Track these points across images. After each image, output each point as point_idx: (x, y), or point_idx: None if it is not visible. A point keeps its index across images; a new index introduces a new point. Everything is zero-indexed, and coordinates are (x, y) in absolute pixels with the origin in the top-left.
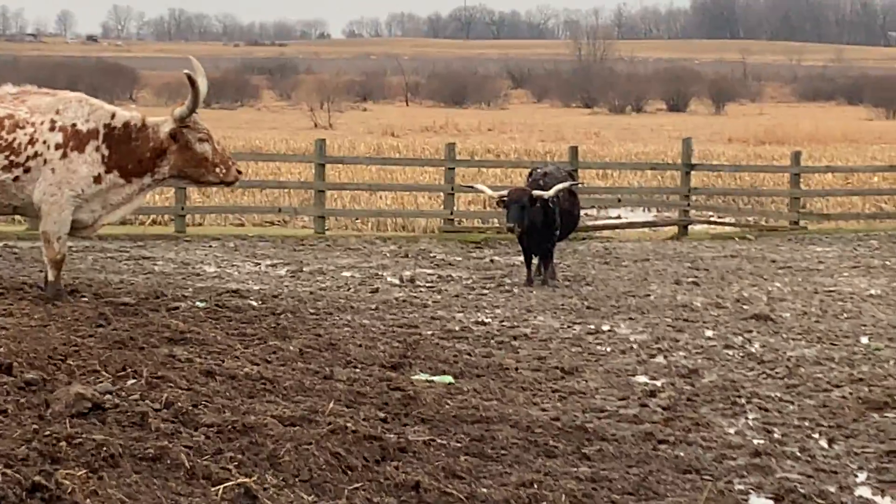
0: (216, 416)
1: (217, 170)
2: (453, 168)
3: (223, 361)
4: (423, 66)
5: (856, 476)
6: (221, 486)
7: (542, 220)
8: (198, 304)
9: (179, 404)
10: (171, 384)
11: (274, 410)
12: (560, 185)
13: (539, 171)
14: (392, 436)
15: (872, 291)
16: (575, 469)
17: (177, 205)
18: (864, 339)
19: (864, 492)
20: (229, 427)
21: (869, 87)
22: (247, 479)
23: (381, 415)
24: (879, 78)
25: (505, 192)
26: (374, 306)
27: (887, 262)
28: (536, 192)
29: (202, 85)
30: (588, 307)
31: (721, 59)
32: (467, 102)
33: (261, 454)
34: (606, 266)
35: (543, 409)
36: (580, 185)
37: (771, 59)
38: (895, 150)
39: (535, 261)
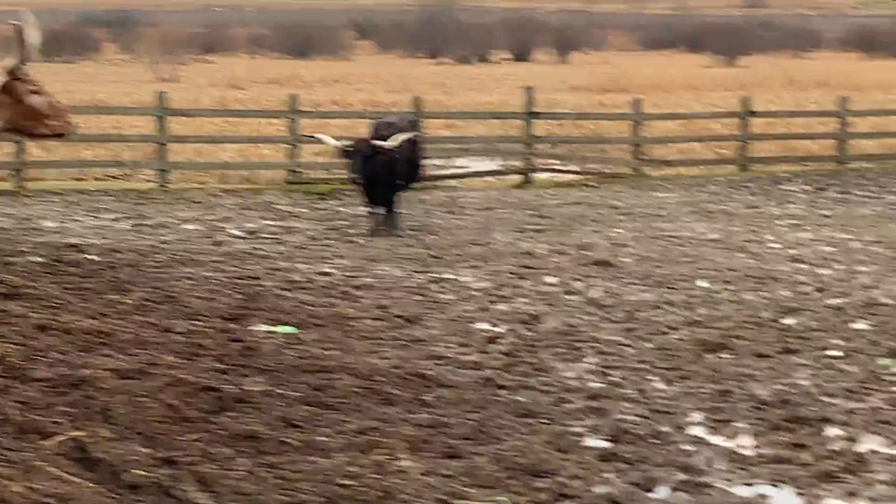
0: (49, 371)
1: (49, 121)
2: (296, 119)
3: (59, 316)
4: (267, 18)
5: (690, 416)
6: (53, 440)
7: (386, 171)
8: (34, 259)
9: (11, 359)
10: (3, 339)
11: (109, 364)
12: (402, 136)
13: (382, 121)
14: (230, 387)
15: (711, 236)
16: (413, 415)
17: (16, 160)
18: (703, 283)
19: (698, 431)
20: (62, 381)
21: (710, 36)
22: (79, 432)
23: (220, 366)
24: (721, 26)
25: (348, 143)
26: (215, 259)
27: (725, 207)
28: (378, 143)
29: (32, 37)
30: (432, 256)
31: (565, 8)
32: (312, 54)
33: (93, 407)
34: (451, 215)
35: (384, 358)
36: (423, 135)
37: (614, 7)
38: (735, 96)
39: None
